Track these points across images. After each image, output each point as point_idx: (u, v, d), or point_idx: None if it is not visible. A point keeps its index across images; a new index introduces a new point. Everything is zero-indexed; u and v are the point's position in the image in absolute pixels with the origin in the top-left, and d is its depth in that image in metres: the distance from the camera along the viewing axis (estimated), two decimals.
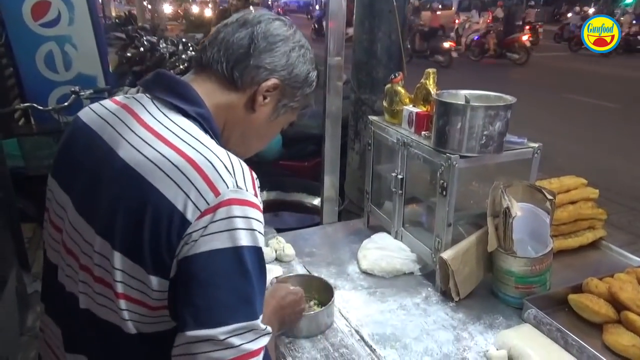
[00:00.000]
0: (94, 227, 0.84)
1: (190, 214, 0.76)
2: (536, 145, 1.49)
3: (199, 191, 0.77)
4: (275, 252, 1.67)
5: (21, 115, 4.11)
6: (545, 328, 1.26)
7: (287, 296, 1.22)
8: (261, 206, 0.83)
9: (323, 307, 1.32)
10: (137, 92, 0.99)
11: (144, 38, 6.66)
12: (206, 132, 0.88)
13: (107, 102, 0.96)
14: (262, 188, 2.98)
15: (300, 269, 1.61)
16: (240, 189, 0.79)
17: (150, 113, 0.88)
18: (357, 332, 1.32)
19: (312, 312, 1.29)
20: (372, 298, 1.47)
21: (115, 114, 0.91)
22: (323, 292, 1.40)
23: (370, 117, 1.80)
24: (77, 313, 0.88)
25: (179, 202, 0.76)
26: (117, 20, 6.91)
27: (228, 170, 0.80)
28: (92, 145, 0.90)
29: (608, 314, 1.28)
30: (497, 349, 1.23)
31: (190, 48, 6.34)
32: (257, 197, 0.82)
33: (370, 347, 1.26)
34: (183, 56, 6.06)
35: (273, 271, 1.57)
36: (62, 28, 3.99)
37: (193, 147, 0.82)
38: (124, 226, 0.80)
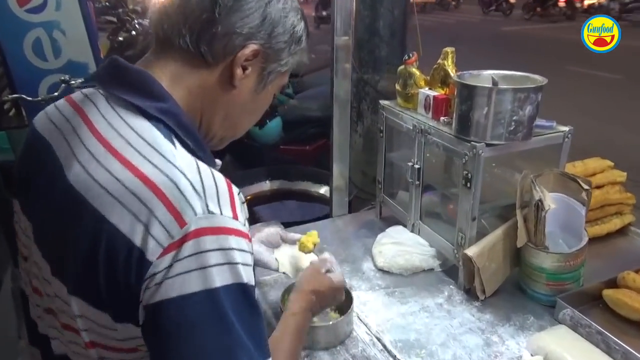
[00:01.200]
0: (50, 266, 0.70)
1: (150, 252, 0.61)
2: (567, 128, 1.36)
3: (160, 222, 0.61)
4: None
5: (11, 106, 3.95)
6: (584, 330, 1.16)
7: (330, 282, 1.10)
8: (245, 229, 0.67)
9: (342, 316, 1.20)
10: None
11: (135, 21, 6.44)
12: (174, 135, 0.71)
13: (62, 104, 0.80)
14: (264, 177, 2.84)
15: None
16: (213, 213, 0.63)
17: (103, 117, 0.72)
18: (378, 339, 1.21)
19: (330, 322, 1.18)
20: (391, 299, 1.37)
21: (69, 120, 0.75)
22: None
23: (381, 101, 1.66)
24: (54, 358, 0.76)
25: (136, 237, 0.61)
26: (107, 3, 6.69)
27: (196, 191, 0.64)
28: (46, 161, 0.74)
29: None
30: (531, 355, 1.13)
31: None
32: (237, 219, 0.66)
33: (394, 357, 1.15)
34: None
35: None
36: (49, 13, 3.78)
37: (151, 163, 0.65)
38: (75, 266, 0.65)
